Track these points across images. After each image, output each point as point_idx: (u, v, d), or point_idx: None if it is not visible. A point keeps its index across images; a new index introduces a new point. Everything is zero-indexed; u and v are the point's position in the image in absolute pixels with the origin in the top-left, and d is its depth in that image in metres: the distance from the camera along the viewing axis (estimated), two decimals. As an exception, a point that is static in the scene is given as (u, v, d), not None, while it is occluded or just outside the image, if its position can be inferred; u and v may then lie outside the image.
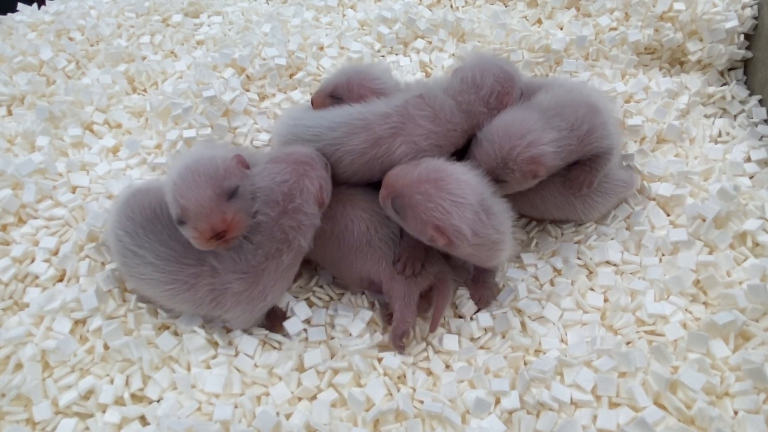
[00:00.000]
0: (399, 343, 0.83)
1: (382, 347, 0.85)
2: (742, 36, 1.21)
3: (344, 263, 0.88)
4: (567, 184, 0.93)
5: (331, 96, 0.96)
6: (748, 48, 1.23)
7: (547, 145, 0.84)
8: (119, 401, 0.77)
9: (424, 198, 0.77)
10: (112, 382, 0.78)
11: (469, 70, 0.91)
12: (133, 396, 0.78)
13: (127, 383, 0.78)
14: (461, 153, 0.91)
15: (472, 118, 0.89)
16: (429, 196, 0.77)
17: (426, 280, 0.86)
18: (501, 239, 0.81)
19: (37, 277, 0.88)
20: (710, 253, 0.90)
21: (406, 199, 0.78)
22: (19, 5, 1.44)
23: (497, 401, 0.75)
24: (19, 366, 0.78)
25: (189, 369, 0.80)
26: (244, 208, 0.78)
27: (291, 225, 0.79)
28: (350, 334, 0.85)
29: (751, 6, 1.21)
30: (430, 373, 0.82)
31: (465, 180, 0.79)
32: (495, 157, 0.84)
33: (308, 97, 1.20)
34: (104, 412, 0.75)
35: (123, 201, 0.84)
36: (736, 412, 0.71)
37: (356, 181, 0.90)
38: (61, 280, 0.89)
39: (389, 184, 0.82)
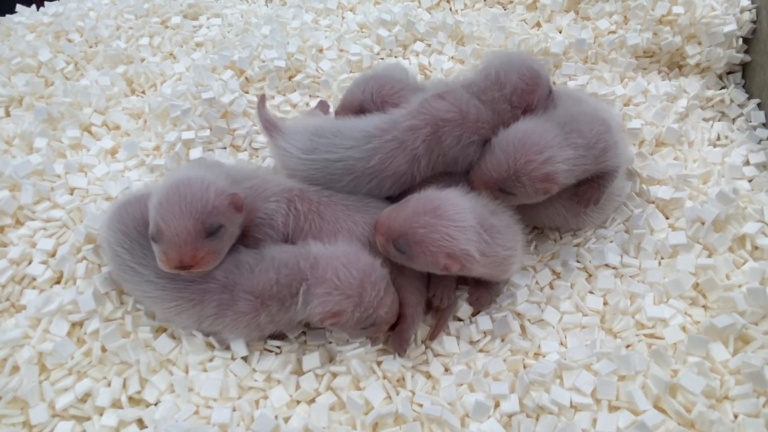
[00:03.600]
0: (405, 346, 0.82)
1: (381, 351, 0.84)
2: (740, 40, 1.22)
3: None
4: (574, 199, 0.91)
5: (359, 112, 0.95)
6: (746, 52, 1.23)
7: (562, 163, 0.82)
8: (116, 404, 0.76)
9: (428, 230, 0.75)
10: (109, 384, 0.77)
11: (493, 67, 0.89)
12: (130, 399, 0.77)
13: (124, 386, 0.78)
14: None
15: (497, 115, 0.88)
16: (432, 227, 0.75)
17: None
18: (510, 255, 0.81)
19: (34, 279, 0.88)
20: (709, 256, 0.90)
21: (409, 236, 0.77)
22: (18, 6, 1.44)
23: (497, 404, 0.75)
24: (15, 368, 0.78)
25: (187, 372, 0.79)
26: (220, 248, 0.76)
27: (297, 292, 0.76)
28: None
29: (750, 10, 1.21)
30: (429, 376, 0.82)
31: (460, 204, 0.78)
32: (507, 169, 0.82)
33: (307, 99, 1.21)
34: (101, 415, 0.75)
35: (114, 212, 0.82)
36: (736, 416, 0.71)
37: (393, 192, 0.89)
38: (58, 282, 0.89)
39: (384, 229, 0.80)
